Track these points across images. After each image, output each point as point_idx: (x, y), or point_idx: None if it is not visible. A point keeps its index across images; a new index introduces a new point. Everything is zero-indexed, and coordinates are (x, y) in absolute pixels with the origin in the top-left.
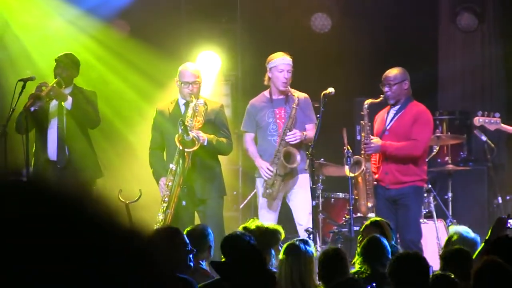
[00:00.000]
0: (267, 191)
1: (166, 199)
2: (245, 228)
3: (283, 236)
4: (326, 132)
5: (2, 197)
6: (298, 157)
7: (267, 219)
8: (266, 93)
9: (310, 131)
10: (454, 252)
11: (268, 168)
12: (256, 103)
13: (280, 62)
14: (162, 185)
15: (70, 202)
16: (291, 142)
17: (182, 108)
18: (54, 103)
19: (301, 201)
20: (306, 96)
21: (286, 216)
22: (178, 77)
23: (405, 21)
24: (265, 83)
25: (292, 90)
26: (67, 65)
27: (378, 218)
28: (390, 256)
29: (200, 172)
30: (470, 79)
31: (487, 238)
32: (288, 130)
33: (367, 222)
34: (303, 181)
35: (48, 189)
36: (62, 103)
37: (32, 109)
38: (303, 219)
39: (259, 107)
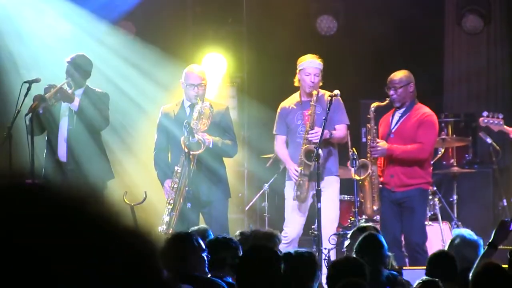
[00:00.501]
0: (297, 193)
1: (171, 201)
2: (241, 234)
3: (281, 240)
4: None
5: (10, 198)
6: (321, 155)
7: (294, 222)
8: (296, 95)
9: (340, 131)
10: (438, 254)
11: (295, 169)
12: (286, 105)
13: (308, 66)
14: (167, 187)
15: (77, 204)
16: (313, 141)
17: (188, 110)
18: (64, 104)
19: (325, 207)
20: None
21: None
22: (184, 79)
23: (410, 23)
24: (295, 84)
25: (322, 91)
26: (79, 66)
27: (365, 225)
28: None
29: (205, 174)
30: (476, 81)
31: (490, 241)
32: (310, 129)
33: (354, 229)
34: (331, 184)
35: (56, 191)
36: (69, 104)
37: (41, 111)
38: (325, 226)
39: (289, 109)
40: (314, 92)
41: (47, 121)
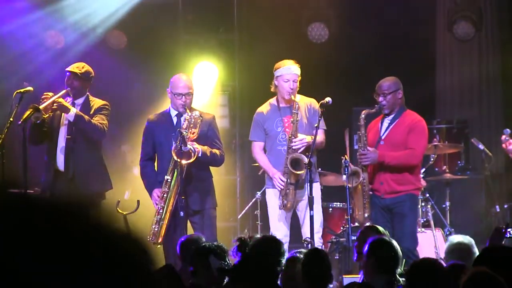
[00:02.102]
0: (284, 202)
1: (161, 211)
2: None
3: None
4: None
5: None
6: (312, 163)
7: (280, 230)
8: (273, 101)
9: (318, 136)
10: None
11: (280, 178)
12: (263, 112)
13: (287, 72)
14: (155, 196)
15: (69, 213)
16: (298, 150)
17: (175, 119)
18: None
19: (308, 214)
20: (313, 102)
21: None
22: (171, 88)
23: (402, 30)
24: (272, 90)
25: (298, 97)
26: (77, 76)
27: (370, 225)
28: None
29: (194, 183)
30: (468, 87)
31: (485, 248)
32: (293, 137)
33: (363, 228)
34: (315, 191)
35: (49, 201)
36: (65, 114)
37: (38, 121)
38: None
39: (267, 115)
40: (298, 100)
41: (46, 130)
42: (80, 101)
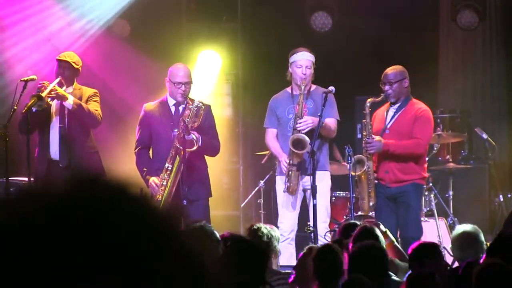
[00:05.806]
0: (287, 184)
1: (160, 198)
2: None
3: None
4: None
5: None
6: (308, 144)
7: (287, 217)
8: (288, 88)
9: (329, 123)
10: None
11: (285, 160)
12: (277, 98)
13: (300, 58)
14: (153, 184)
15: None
16: (302, 130)
17: (173, 109)
18: (56, 102)
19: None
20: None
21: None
22: (170, 77)
23: (405, 19)
24: (287, 78)
25: (314, 86)
26: (69, 65)
27: (367, 225)
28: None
29: (191, 173)
30: (471, 77)
31: (500, 231)
32: (298, 118)
33: (355, 232)
34: (323, 179)
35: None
36: (63, 103)
37: (34, 109)
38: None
39: (280, 102)
40: (303, 82)
41: (39, 120)
42: (69, 90)
